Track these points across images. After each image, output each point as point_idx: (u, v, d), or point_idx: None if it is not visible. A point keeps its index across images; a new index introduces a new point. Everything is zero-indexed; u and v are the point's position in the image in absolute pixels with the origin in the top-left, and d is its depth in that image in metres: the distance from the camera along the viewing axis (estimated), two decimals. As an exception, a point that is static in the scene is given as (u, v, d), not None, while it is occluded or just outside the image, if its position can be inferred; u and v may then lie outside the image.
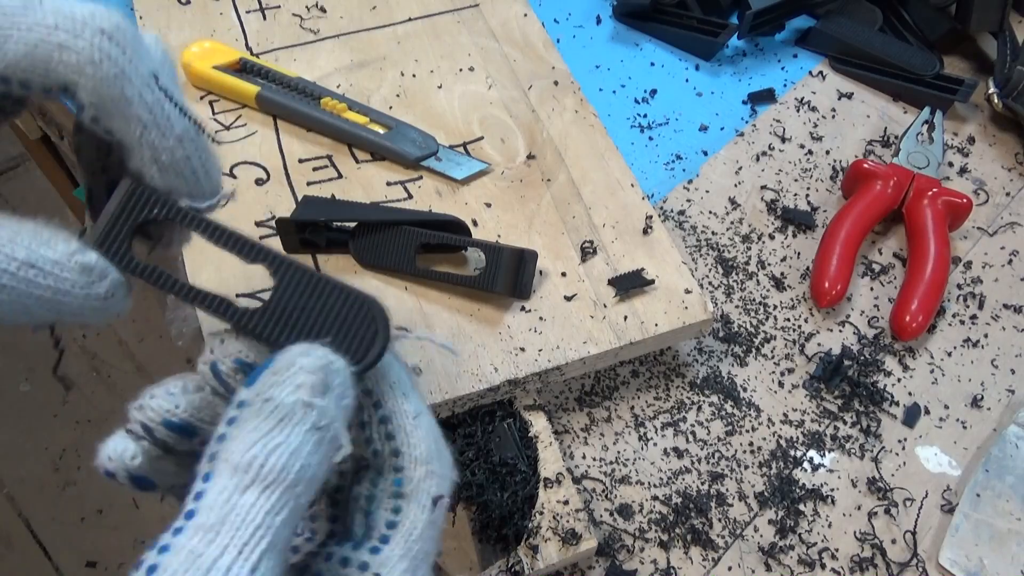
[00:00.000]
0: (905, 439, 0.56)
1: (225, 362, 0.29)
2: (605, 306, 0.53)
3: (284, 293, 0.30)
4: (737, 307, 0.61)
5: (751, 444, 0.55)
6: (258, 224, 0.56)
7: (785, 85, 0.76)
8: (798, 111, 0.73)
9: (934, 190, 0.64)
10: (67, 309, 0.28)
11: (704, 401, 0.57)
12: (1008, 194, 0.70)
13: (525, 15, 0.70)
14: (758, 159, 0.70)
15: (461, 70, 0.66)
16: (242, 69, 0.64)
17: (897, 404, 0.57)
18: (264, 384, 0.26)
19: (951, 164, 0.71)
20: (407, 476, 0.29)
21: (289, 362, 0.26)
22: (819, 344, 0.60)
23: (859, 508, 0.53)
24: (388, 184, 0.59)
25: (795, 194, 0.68)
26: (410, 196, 0.58)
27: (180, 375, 0.30)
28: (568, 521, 0.48)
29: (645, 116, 0.72)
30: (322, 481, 0.26)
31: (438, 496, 0.29)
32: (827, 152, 0.71)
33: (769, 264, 0.64)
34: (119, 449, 0.29)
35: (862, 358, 0.59)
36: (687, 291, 0.54)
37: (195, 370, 0.30)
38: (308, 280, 0.30)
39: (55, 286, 0.27)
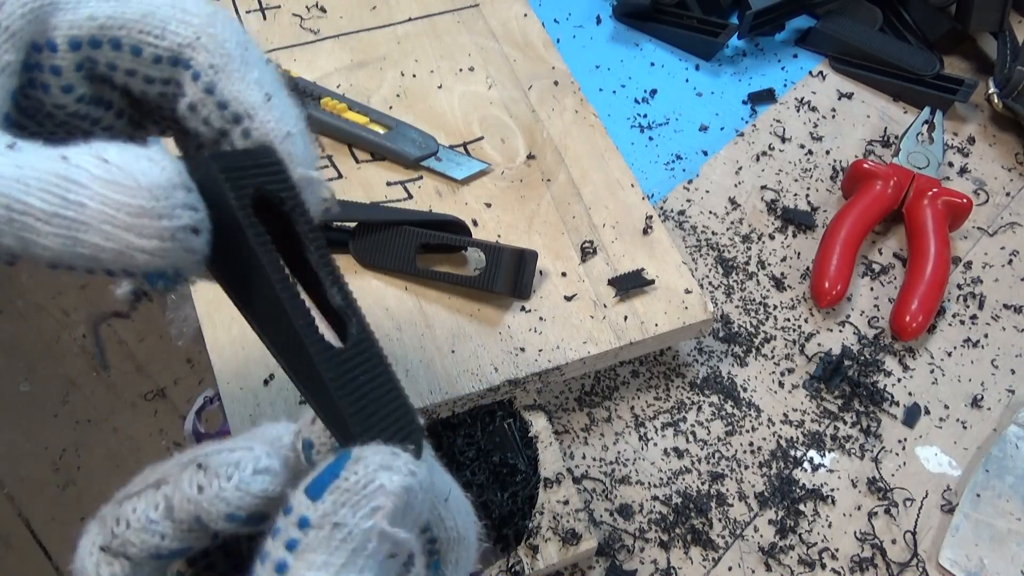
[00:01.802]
0: (905, 439, 0.56)
1: (214, 520, 0.24)
2: (605, 306, 0.53)
3: (357, 350, 0.26)
4: (737, 307, 0.61)
5: (751, 444, 0.55)
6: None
7: (785, 85, 0.76)
8: (798, 111, 0.73)
9: (934, 190, 0.64)
10: (120, 217, 0.23)
11: (704, 401, 0.57)
12: (1008, 194, 0.70)
13: (525, 15, 0.70)
14: (758, 159, 0.70)
15: (461, 70, 0.66)
16: (242, 69, 0.64)
17: (897, 404, 0.57)
18: (334, 501, 0.22)
19: (951, 164, 0.71)
20: (443, 559, 0.27)
21: (367, 477, 0.22)
22: (819, 344, 0.60)
23: (859, 508, 0.53)
24: (388, 184, 0.59)
25: (795, 194, 0.68)
26: (410, 196, 0.58)
27: (156, 479, 0.25)
28: (568, 521, 0.48)
29: (645, 116, 0.72)
30: None
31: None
32: (827, 152, 0.71)
33: (769, 264, 0.64)
34: (94, 572, 0.25)
35: (862, 358, 0.59)
36: (687, 291, 0.54)
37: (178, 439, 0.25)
38: (375, 352, 0.26)
39: (112, 179, 0.23)
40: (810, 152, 0.71)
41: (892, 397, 0.58)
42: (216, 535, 0.25)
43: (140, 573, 0.25)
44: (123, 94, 0.29)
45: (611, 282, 0.54)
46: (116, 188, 0.22)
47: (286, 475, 0.25)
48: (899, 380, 0.59)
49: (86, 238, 0.22)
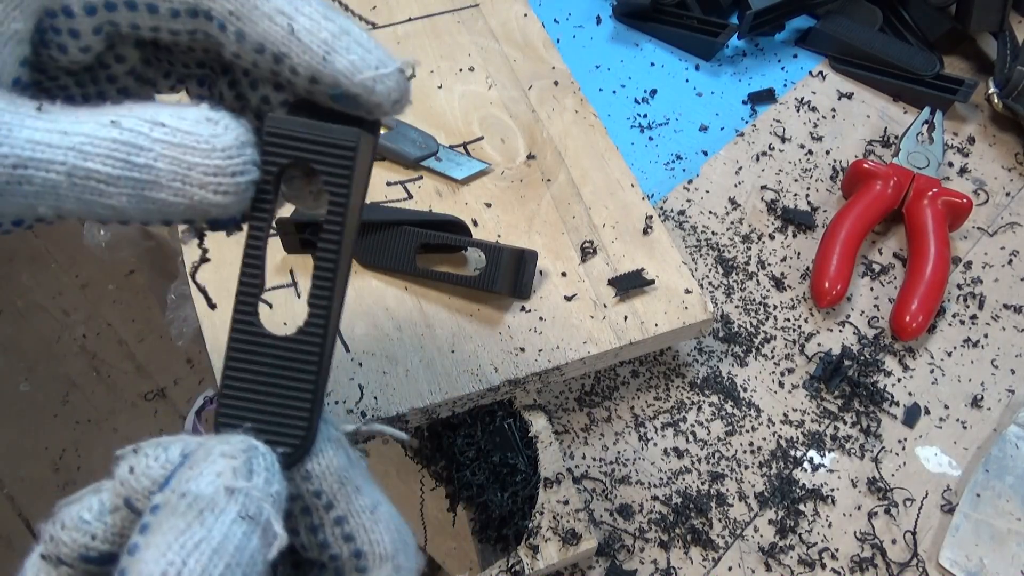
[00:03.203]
0: (905, 439, 0.56)
1: (141, 498, 0.24)
2: (605, 306, 0.53)
3: (240, 355, 0.27)
4: (737, 307, 0.61)
5: (751, 444, 0.55)
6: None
7: (785, 85, 0.76)
8: (798, 111, 0.73)
9: (934, 190, 0.64)
10: (194, 176, 0.25)
11: (704, 401, 0.57)
12: (1008, 194, 0.70)
13: (525, 15, 0.70)
14: (758, 159, 0.70)
15: (461, 70, 0.66)
16: (242, 69, 0.64)
17: (897, 404, 0.57)
18: (180, 480, 0.23)
19: (951, 164, 0.71)
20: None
21: (206, 452, 0.23)
22: (819, 344, 0.60)
23: (859, 508, 0.53)
24: (388, 184, 0.59)
25: (795, 194, 0.68)
26: (410, 196, 0.58)
27: (96, 486, 0.25)
28: (568, 521, 0.48)
29: (645, 116, 0.72)
30: None
31: None
32: (827, 152, 0.71)
33: (769, 264, 0.64)
34: None
35: (862, 358, 0.59)
36: (687, 291, 0.54)
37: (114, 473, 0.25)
38: (309, 351, 0.27)
39: (179, 142, 0.25)
40: (810, 152, 0.71)
41: (892, 397, 0.58)
42: None
43: None
44: (137, 46, 0.29)
45: (611, 282, 0.54)
46: (187, 150, 0.25)
47: (119, 512, 0.25)
48: (899, 380, 0.59)
49: (156, 195, 0.25)
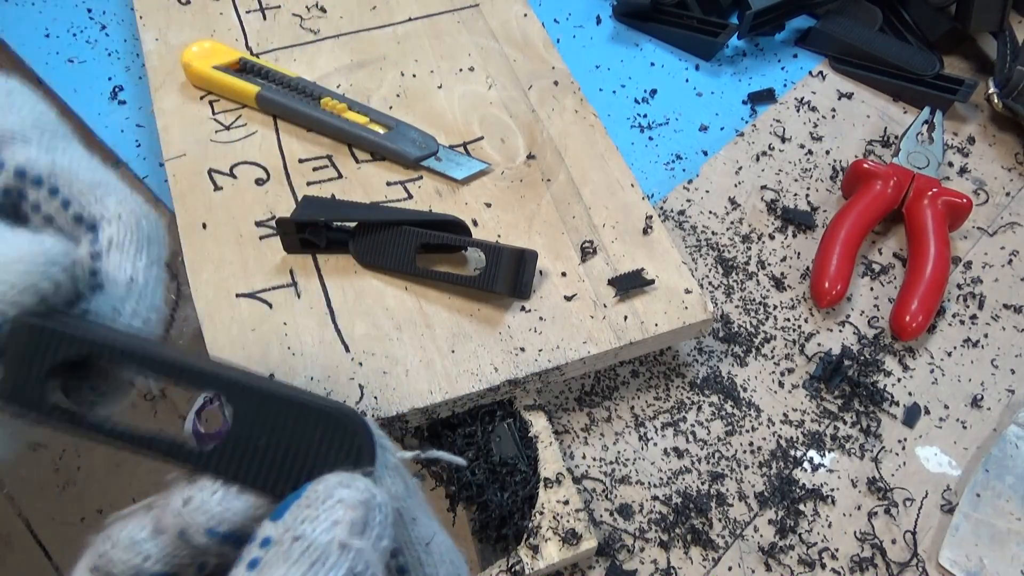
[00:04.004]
0: (905, 439, 0.56)
1: (196, 533, 0.24)
2: (605, 306, 0.53)
3: (245, 421, 0.26)
4: (737, 307, 0.61)
5: (751, 444, 0.55)
6: (258, 224, 0.56)
7: (785, 85, 0.76)
8: (798, 111, 0.73)
9: (934, 190, 0.64)
10: None
11: (704, 401, 0.57)
12: (1008, 194, 0.70)
13: (525, 15, 0.70)
14: (758, 159, 0.70)
15: (461, 70, 0.66)
16: (242, 69, 0.64)
17: (897, 404, 0.57)
18: (295, 518, 0.23)
19: (951, 164, 0.71)
20: None
21: (326, 493, 0.23)
22: (819, 344, 0.60)
23: (859, 508, 0.53)
24: (388, 184, 0.59)
25: (795, 194, 0.68)
26: (410, 196, 0.58)
27: (148, 503, 0.26)
28: (568, 521, 0.48)
29: (645, 116, 0.72)
30: None
31: None
32: (827, 152, 0.71)
33: (769, 264, 0.64)
34: None
35: (862, 358, 0.59)
36: (687, 291, 0.54)
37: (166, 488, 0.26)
38: (270, 402, 0.26)
39: None
40: (810, 152, 0.71)
41: (892, 397, 0.58)
42: (202, 567, 0.25)
43: None
44: None
45: (611, 282, 0.54)
46: None
47: (269, 503, 0.25)
48: (899, 380, 0.59)
49: None
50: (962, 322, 0.62)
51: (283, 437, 0.26)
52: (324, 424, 0.26)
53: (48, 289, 0.26)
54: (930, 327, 0.61)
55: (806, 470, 0.54)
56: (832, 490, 0.54)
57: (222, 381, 0.26)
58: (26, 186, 0.28)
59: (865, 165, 0.65)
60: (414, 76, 0.66)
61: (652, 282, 0.54)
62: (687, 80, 0.75)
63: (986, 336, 0.61)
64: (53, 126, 0.29)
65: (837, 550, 0.51)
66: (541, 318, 0.52)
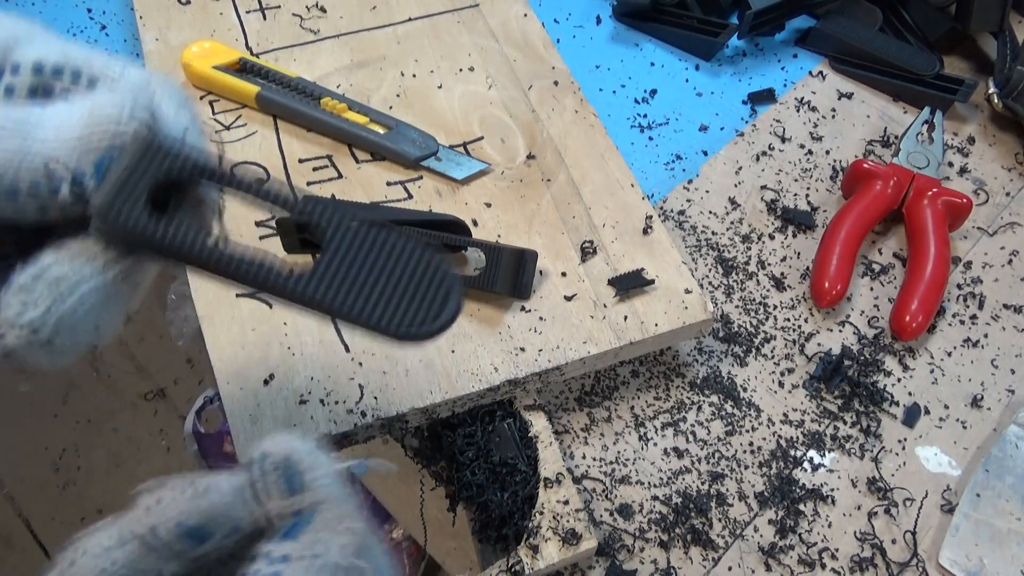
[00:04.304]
0: (905, 439, 0.56)
1: (164, 527, 0.26)
2: (605, 306, 0.53)
3: (339, 250, 0.27)
4: (737, 307, 0.61)
5: (751, 444, 0.55)
6: (258, 224, 0.56)
7: (785, 85, 0.76)
8: (798, 111, 0.73)
9: (934, 190, 0.64)
10: None
11: (704, 401, 0.57)
12: (1008, 194, 0.70)
13: (525, 15, 0.70)
14: (758, 159, 0.70)
15: (461, 70, 0.66)
16: (242, 69, 0.64)
17: (897, 404, 0.57)
18: (312, 538, 0.26)
19: (951, 164, 0.71)
20: None
21: (336, 518, 0.27)
22: (819, 344, 0.60)
23: (859, 508, 0.53)
24: (388, 184, 0.59)
25: (795, 194, 0.68)
26: (410, 196, 0.58)
27: (114, 517, 0.27)
28: (568, 521, 0.48)
29: (645, 116, 0.72)
30: None
31: None
32: (827, 152, 0.71)
33: (769, 264, 0.64)
34: None
35: (862, 358, 0.59)
36: (687, 291, 0.54)
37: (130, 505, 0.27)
38: (365, 234, 0.27)
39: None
40: (810, 152, 0.71)
41: (892, 397, 0.58)
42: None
43: None
44: None
45: (611, 282, 0.54)
46: None
47: (235, 498, 0.27)
48: (899, 380, 0.59)
49: None
50: (962, 322, 0.62)
51: (371, 269, 0.27)
52: (415, 264, 0.27)
53: (148, 116, 0.28)
54: (930, 327, 0.61)
55: (806, 470, 0.54)
56: (832, 490, 0.54)
57: (319, 205, 0.27)
58: (48, 79, 0.29)
59: (865, 165, 0.65)
60: (414, 76, 0.66)
61: (652, 282, 0.54)
62: (687, 80, 0.75)
63: (986, 336, 0.61)
64: (41, 28, 0.30)
65: (837, 550, 0.51)
66: (541, 318, 0.52)
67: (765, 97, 0.74)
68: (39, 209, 0.27)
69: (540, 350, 0.51)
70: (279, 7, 0.70)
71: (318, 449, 0.29)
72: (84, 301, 0.27)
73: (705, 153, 0.70)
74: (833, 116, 0.73)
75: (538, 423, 0.51)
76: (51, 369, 0.28)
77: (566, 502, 0.49)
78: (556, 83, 0.66)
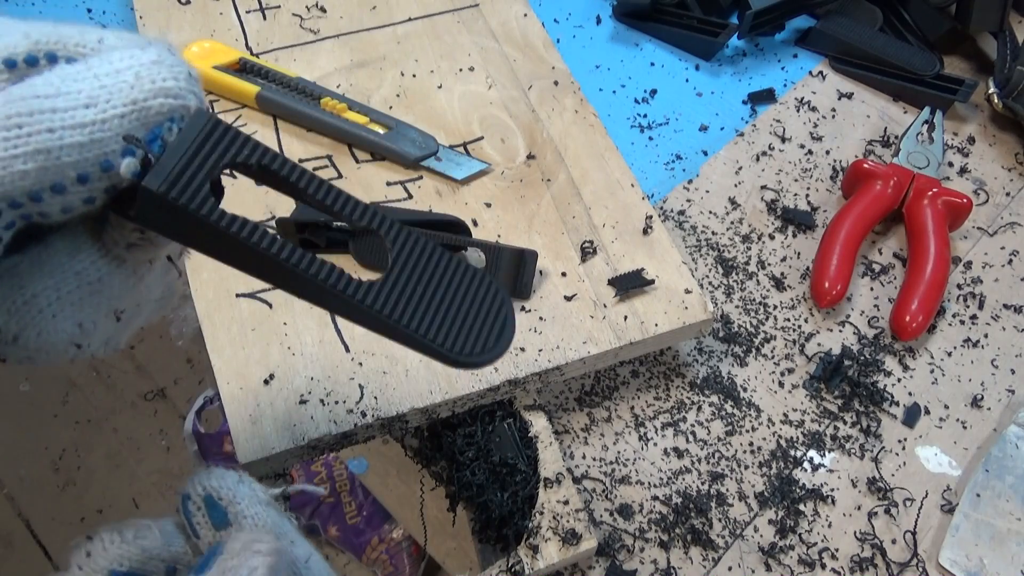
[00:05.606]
0: (905, 439, 0.56)
1: (196, 495, 0.28)
2: (605, 306, 0.53)
3: (405, 267, 0.26)
4: (737, 307, 0.61)
5: (751, 444, 0.55)
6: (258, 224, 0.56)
7: (785, 85, 0.75)
8: (798, 111, 0.73)
9: (934, 190, 0.64)
10: None
11: (704, 401, 0.57)
12: (1008, 194, 0.70)
13: (525, 15, 0.70)
14: (758, 159, 0.70)
15: (461, 70, 0.66)
16: (242, 69, 0.64)
17: (897, 404, 0.57)
18: (222, 567, 0.26)
19: (951, 164, 0.71)
20: None
21: (245, 547, 0.27)
22: (819, 344, 0.60)
23: (859, 508, 0.53)
24: (388, 184, 0.59)
25: (795, 194, 0.68)
26: (410, 196, 0.58)
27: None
28: (568, 521, 0.48)
29: (645, 116, 0.72)
30: None
31: None
32: (827, 152, 0.71)
33: (769, 264, 0.64)
34: None
35: (862, 358, 0.59)
36: (687, 291, 0.54)
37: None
38: (431, 253, 0.27)
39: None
40: (810, 152, 0.71)
41: (892, 397, 0.58)
42: None
43: None
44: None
45: (611, 282, 0.54)
46: None
47: (168, 539, 0.28)
48: (899, 380, 0.59)
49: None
50: (962, 322, 0.62)
51: (436, 288, 0.27)
52: (476, 288, 0.27)
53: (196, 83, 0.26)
54: (930, 327, 0.61)
55: (806, 470, 0.54)
56: (832, 490, 0.54)
57: (384, 219, 0.27)
58: (24, 71, 0.25)
59: (865, 165, 0.65)
60: (414, 76, 0.66)
61: (652, 282, 0.54)
62: (687, 80, 0.75)
63: (986, 336, 0.61)
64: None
65: (837, 550, 0.51)
66: (541, 318, 0.52)
67: (765, 97, 0.74)
68: (85, 201, 0.24)
69: (540, 350, 0.51)
70: (279, 7, 0.70)
71: (240, 482, 0.29)
72: (44, 298, 0.25)
73: (705, 153, 0.70)
74: (833, 116, 0.73)
75: (538, 423, 0.51)
76: (43, 365, 0.27)
77: (566, 502, 0.49)
78: (556, 83, 0.66)
